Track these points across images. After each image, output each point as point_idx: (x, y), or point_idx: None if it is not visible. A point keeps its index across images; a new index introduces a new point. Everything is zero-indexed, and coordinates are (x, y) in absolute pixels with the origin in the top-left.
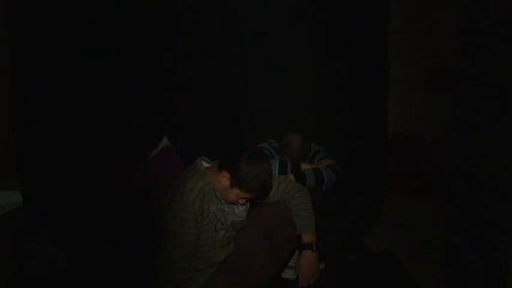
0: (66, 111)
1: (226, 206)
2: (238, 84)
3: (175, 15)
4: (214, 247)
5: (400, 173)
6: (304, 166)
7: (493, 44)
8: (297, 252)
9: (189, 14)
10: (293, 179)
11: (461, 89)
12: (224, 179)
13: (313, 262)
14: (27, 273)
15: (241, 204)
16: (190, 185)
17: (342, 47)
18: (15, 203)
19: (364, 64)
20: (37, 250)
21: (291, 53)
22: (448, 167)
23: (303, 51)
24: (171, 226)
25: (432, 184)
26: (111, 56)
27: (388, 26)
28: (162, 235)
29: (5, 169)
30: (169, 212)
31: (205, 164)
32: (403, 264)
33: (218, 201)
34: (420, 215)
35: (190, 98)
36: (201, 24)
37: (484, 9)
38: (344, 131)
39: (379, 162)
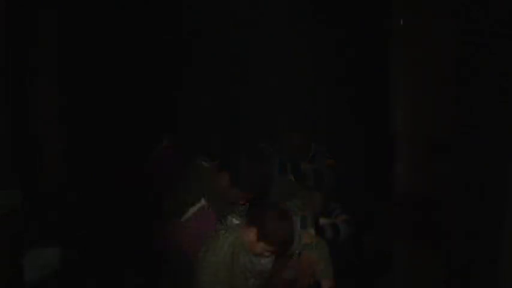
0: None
1: (253, 257)
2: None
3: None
4: None
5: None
6: (322, 221)
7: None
8: None
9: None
10: (313, 232)
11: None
12: (252, 234)
13: None
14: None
15: (267, 257)
16: (222, 240)
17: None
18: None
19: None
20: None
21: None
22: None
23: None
24: (205, 277)
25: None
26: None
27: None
28: (197, 285)
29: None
30: (204, 264)
31: (235, 221)
32: None
33: (246, 253)
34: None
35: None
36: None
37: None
38: (358, 191)
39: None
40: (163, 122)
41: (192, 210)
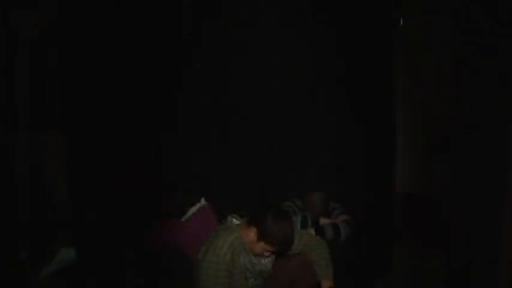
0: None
1: (253, 257)
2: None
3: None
4: None
5: (406, 227)
6: (322, 221)
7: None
8: None
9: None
10: (313, 232)
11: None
12: (252, 234)
13: None
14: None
15: (267, 257)
16: (222, 240)
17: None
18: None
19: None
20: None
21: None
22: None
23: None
24: (206, 276)
25: (435, 236)
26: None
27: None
28: (197, 285)
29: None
30: (204, 263)
31: (235, 221)
32: None
33: (247, 253)
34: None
35: (215, 155)
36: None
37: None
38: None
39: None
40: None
41: (192, 210)
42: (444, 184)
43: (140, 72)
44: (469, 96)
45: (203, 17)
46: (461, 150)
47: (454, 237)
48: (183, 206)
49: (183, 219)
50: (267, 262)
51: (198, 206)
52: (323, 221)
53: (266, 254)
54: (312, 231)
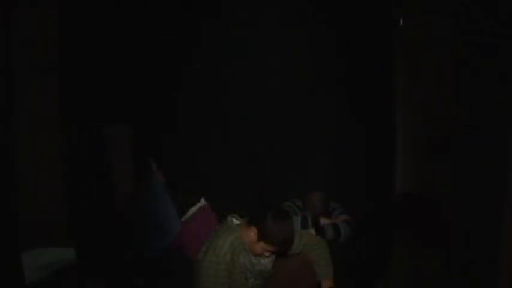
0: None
1: (253, 257)
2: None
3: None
4: None
5: (406, 227)
6: (323, 221)
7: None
8: None
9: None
10: (313, 232)
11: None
12: (252, 234)
13: None
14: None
15: (267, 257)
16: (222, 240)
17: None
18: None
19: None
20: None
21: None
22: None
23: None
24: (206, 276)
25: (435, 236)
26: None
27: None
28: (197, 285)
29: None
30: (204, 263)
31: (236, 221)
32: None
33: (247, 253)
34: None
35: (217, 156)
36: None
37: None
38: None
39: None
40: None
41: (192, 210)
42: (444, 184)
43: (140, 72)
44: (469, 96)
45: (203, 17)
46: (461, 150)
47: (454, 237)
48: (183, 206)
49: (183, 219)
50: (267, 262)
51: (198, 206)
52: (323, 221)
53: (266, 254)
54: (312, 231)
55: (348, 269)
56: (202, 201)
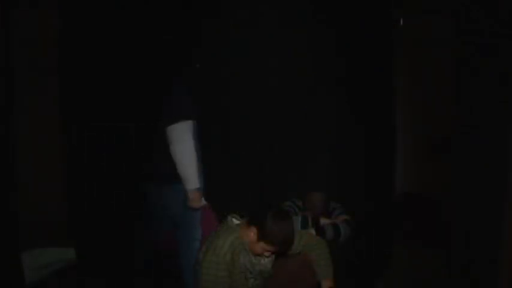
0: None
1: (253, 257)
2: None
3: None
4: None
5: (406, 226)
6: (323, 221)
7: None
8: None
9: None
10: (313, 232)
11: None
12: (252, 234)
13: None
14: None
15: (267, 257)
16: (222, 240)
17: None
18: (68, 259)
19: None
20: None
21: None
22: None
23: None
24: (206, 276)
25: (435, 236)
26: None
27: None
28: (197, 284)
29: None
30: (204, 263)
31: (236, 221)
32: None
33: (247, 253)
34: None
35: (217, 156)
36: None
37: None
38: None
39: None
40: None
41: None
42: (444, 184)
43: (140, 73)
44: (469, 96)
45: (203, 17)
46: (461, 150)
47: (454, 237)
48: None
49: None
50: (267, 262)
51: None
52: (323, 221)
53: (266, 254)
54: (312, 231)
55: (348, 269)
56: (203, 201)
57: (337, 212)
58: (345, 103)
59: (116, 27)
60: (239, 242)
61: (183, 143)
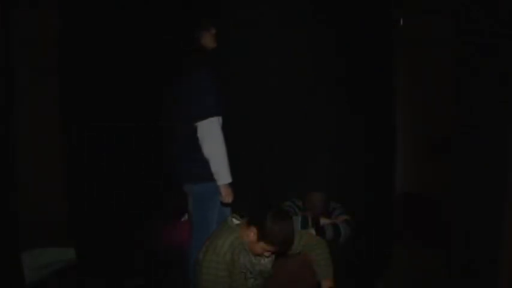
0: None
1: (253, 257)
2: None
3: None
4: None
5: (406, 227)
6: (323, 221)
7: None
8: None
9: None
10: (314, 232)
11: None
12: (252, 234)
13: None
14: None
15: (267, 257)
16: (222, 240)
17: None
18: (68, 259)
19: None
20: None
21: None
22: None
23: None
24: (206, 276)
25: (435, 236)
26: None
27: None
28: (197, 284)
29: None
30: (204, 263)
31: (236, 221)
32: None
33: (247, 253)
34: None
35: None
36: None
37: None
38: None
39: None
40: None
41: None
42: (444, 184)
43: (140, 73)
44: (469, 96)
45: (203, 17)
46: (461, 150)
47: (454, 237)
48: (183, 206)
49: (183, 219)
50: (267, 262)
51: None
52: (323, 221)
53: (266, 254)
54: (312, 231)
55: (348, 269)
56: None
57: (337, 212)
58: (345, 103)
59: (116, 27)
60: (239, 242)
61: (215, 138)
